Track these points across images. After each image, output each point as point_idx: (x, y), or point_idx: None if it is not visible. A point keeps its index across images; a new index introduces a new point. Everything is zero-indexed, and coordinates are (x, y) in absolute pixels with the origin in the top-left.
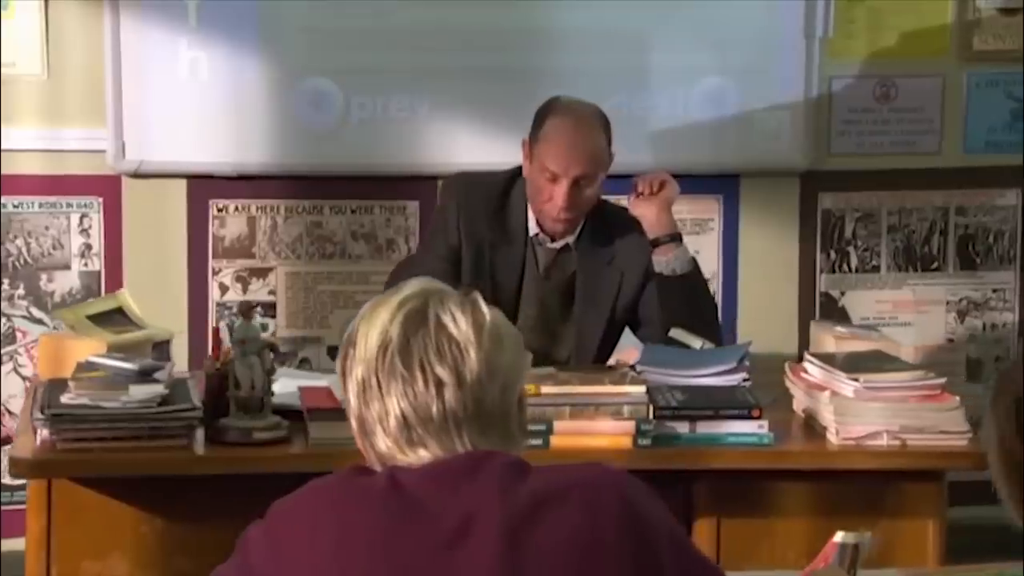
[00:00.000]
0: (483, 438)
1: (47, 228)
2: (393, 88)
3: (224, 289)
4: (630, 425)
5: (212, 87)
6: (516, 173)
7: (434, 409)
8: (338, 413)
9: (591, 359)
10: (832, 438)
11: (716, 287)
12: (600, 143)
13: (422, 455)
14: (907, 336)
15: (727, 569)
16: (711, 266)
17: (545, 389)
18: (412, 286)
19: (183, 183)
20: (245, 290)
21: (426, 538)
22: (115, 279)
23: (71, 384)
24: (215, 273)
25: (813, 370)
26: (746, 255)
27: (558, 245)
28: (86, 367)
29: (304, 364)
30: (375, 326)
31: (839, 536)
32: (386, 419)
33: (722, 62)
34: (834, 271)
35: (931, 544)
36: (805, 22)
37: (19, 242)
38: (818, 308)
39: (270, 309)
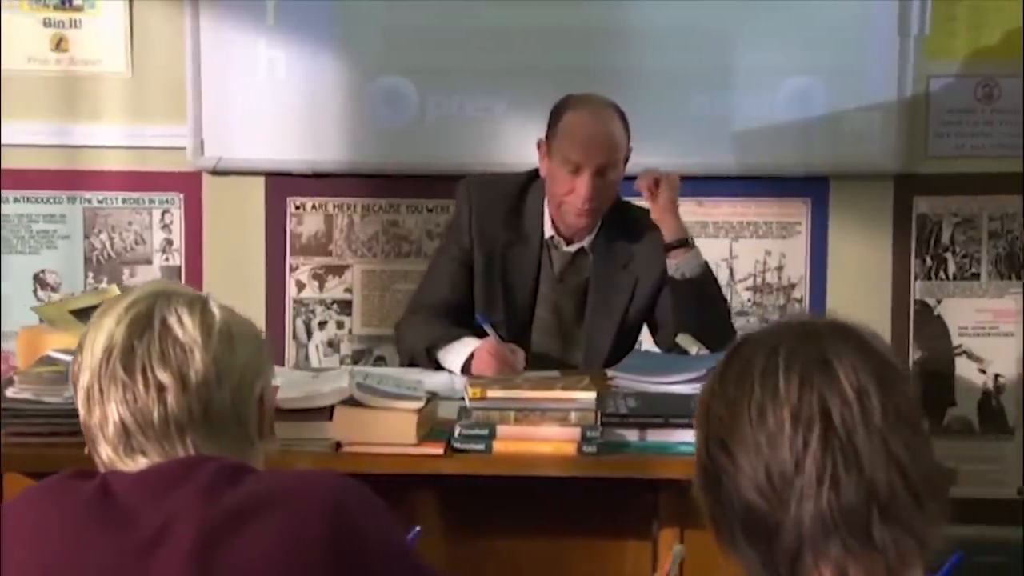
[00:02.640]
0: (213, 443)
1: (130, 223)
2: (469, 87)
3: (301, 286)
4: (576, 432)
5: (289, 86)
6: (532, 176)
7: (155, 414)
8: (278, 414)
9: (602, 362)
10: None
11: (803, 292)
12: (618, 131)
13: (141, 462)
14: (1009, 347)
15: None
16: (798, 270)
17: (491, 393)
18: (143, 289)
19: (262, 180)
20: (322, 288)
21: (123, 545)
22: (195, 274)
23: (16, 378)
24: (292, 270)
25: None
26: (835, 260)
27: (573, 248)
28: (45, 362)
29: (379, 362)
30: (102, 331)
31: (677, 548)
32: (106, 426)
33: (810, 61)
34: (930, 278)
35: None
36: (899, 20)
37: (103, 236)
38: (912, 316)
39: (346, 307)
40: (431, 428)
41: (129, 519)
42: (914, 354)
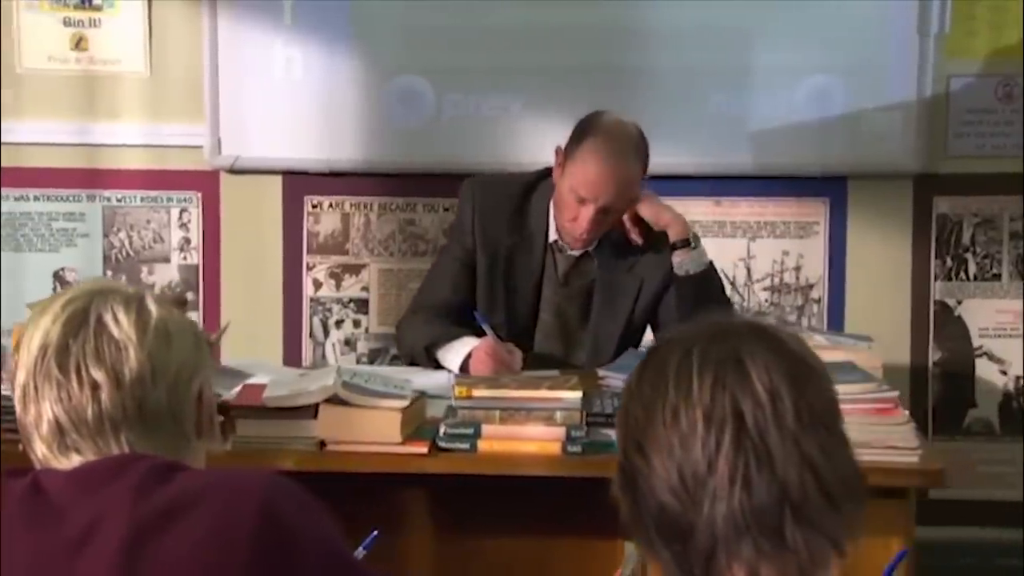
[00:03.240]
0: (147, 440)
1: (148, 222)
2: (485, 86)
3: (318, 285)
4: (560, 431)
5: (306, 85)
6: (540, 176)
7: (89, 412)
8: (262, 412)
9: (606, 363)
10: None
11: (821, 293)
12: (632, 174)
13: (75, 460)
14: None
15: None
16: (816, 271)
17: (477, 392)
18: (80, 287)
19: (279, 179)
20: (338, 286)
21: (51, 542)
22: (213, 272)
23: (4, 375)
24: (309, 269)
25: None
26: (854, 260)
27: (577, 252)
28: None
29: (396, 361)
30: (39, 329)
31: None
32: (40, 424)
33: (828, 60)
34: (950, 279)
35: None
36: (919, 19)
37: (122, 235)
38: (932, 318)
39: (363, 306)
40: (418, 427)
41: (58, 517)
42: (934, 355)
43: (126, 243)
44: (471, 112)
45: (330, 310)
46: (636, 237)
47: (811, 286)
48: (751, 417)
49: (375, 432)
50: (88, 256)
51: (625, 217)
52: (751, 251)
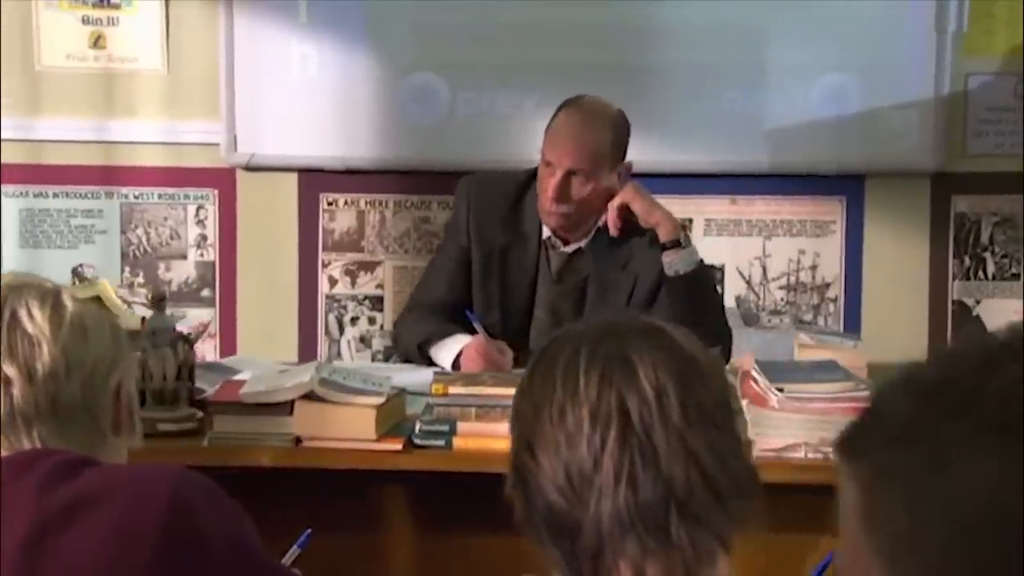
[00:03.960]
0: (60, 436)
1: (165, 219)
2: (499, 84)
3: (333, 282)
4: None
5: (321, 82)
6: (534, 174)
7: (1, 408)
8: (240, 407)
9: None
10: (754, 449)
11: (838, 292)
12: (600, 140)
13: None
14: None
15: None
16: (832, 270)
17: (453, 389)
18: None
19: (295, 176)
20: (354, 284)
21: None
22: (229, 269)
23: None
24: (325, 266)
25: (758, 379)
26: (871, 259)
27: (571, 249)
28: None
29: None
30: None
31: None
32: None
33: (844, 58)
34: (968, 278)
35: None
36: (936, 16)
37: (139, 232)
38: (950, 317)
39: (378, 303)
40: (396, 424)
41: None
42: None
43: (143, 240)
44: (485, 109)
45: (345, 307)
46: (613, 229)
47: (827, 285)
48: (637, 414)
49: (350, 429)
50: (106, 253)
51: (610, 205)
52: (767, 249)
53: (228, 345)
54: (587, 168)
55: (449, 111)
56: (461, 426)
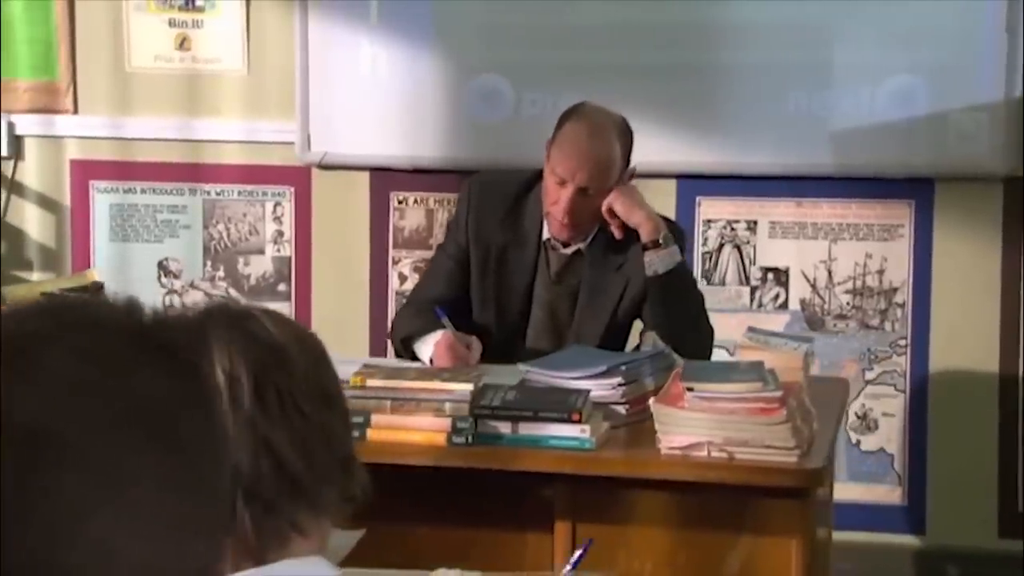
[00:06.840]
0: None
1: (244, 215)
2: (564, 85)
3: (403, 279)
4: (447, 422)
5: (390, 83)
6: (538, 175)
7: None
8: None
9: None
10: (660, 448)
11: (906, 297)
12: (611, 154)
13: None
14: None
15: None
16: (900, 275)
17: (370, 382)
18: None
19: (366, 175)
20: None
21: None
22: (304, 265)
23: None
24: (395, 263)
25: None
26: (940, 265)
27: (570, 251)
28: None
29: None
30: None
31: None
32: None
33: (912, 59)
34: None
35: (795, 563)
36: (1008, 17)
37: (220, 227)
38: (1022, 324)
39: None
40: None
41: None
42: None
43: (224, 235)
44: (549, 110)
45: None
46: (616, 231)
47: (895, 290)
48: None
49: None
50: (190, 247)
51: (604, 210)
52: (832, 253)
53: None
54: (599, 183)
55: (514, 111)
56: (376, 418)
